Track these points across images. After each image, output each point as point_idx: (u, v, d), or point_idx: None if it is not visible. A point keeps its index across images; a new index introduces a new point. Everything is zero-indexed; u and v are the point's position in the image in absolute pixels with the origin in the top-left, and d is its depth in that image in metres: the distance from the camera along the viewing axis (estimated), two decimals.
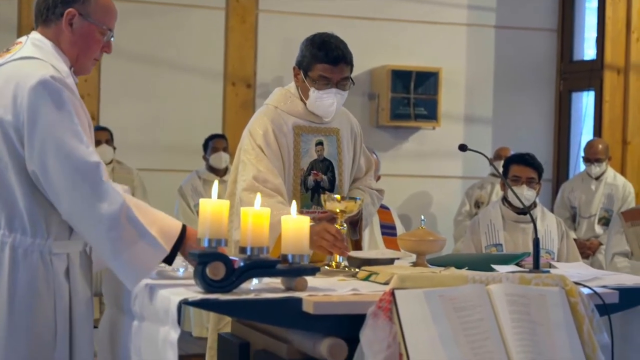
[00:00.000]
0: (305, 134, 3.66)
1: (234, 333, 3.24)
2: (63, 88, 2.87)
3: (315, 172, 3.67)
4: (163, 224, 2.92)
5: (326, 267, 3.31)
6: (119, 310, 3.15)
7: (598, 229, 7.11)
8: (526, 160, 5.23)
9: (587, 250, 6.91)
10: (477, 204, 7.67)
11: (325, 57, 3.56)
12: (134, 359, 2.94)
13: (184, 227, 2.95)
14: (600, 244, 6.93)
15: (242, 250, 2.82)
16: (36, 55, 2.94)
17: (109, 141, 7.11)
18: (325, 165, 3.69)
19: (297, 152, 3.64)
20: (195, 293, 2.73)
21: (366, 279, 3.12)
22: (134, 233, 2.83)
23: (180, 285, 2.87)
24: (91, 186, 2.82)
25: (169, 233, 2.92)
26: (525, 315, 2.71)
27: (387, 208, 5.23)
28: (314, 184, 3.66)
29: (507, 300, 2.72)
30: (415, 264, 3.40)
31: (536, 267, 3.20)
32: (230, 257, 2.78)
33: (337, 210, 3.37)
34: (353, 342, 2.69)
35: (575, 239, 6.37)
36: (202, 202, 2.81)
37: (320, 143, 3.69)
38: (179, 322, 2.69)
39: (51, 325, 2.91)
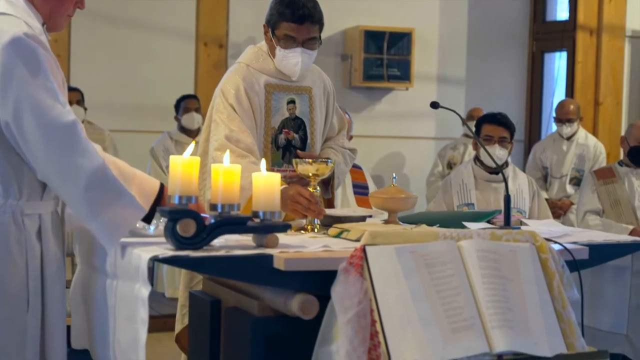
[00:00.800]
0: (277, 92, 3.64)
1: (205, 291, 3.23)
2: (37, 46, 2.83)
3: (286, 130, 3.65)
4: (141, 183, 2.92)
5: (301, 231, 3.30)
6: (91, 269, 3.14)
7: (569, 189, 7.15)
8: (498, 119, 5.24)
9: (559, 210, 6.94)
10: (450, 165, 7.69)
11: (291, 16, 3.53)
12: (109, 317, 2.93)
13: (161, 186, 2.95)
14: (572, 203, 6.97)
15: (213, 207, 2.80)
16: (9, 12, 2.89)
17: (80, 102, 7.03)
18: (297, 124, 3.67)
19: (268, 111, 3.62)
20: (165, 250, 2.72)
21: (337, 236, 3.13)
22: (112, 192, 2.81)
23: (152, 244, 2.86)
24: (69, 145, 2.78)
25: (147, 192, 2.91)
26: (496, 271, 2.72)
27: (359, 168, 5.22)
28: (285, 142, 3.65)
29: (477, 256, 2.73)
30: (386, 222, 3.40)
31: (507, 224, 3.21)
32: (201, 214, 2.77)
33: (310, 174, 3.36)
34: (324, 298, 2.70)
35: (546, 199, 6.40)
36: (172, 159, 2.79)
37: (292, 101, 3.67)
38: (150, 279, 2.69)
39: (23, 286, 2.89)
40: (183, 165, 2.77)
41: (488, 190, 5.35)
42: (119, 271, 2.86)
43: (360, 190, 5.16)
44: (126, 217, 2.83)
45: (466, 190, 5.42)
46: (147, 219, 2.95)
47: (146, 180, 2.95)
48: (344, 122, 3.96)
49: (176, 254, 2.68)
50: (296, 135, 3.66)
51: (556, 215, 6.75)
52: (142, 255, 2.69)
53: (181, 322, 3.56)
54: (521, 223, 3.53)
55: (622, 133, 7.08)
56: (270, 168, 3.46)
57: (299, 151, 3.63)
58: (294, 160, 3.42)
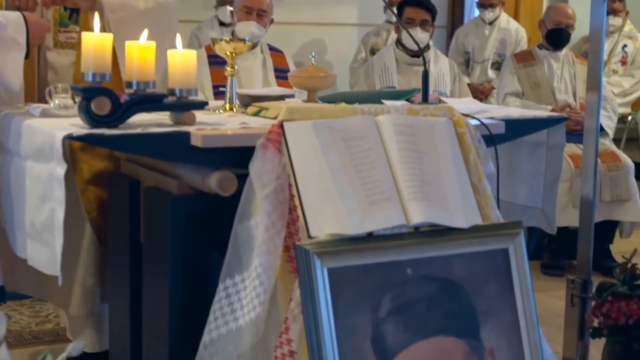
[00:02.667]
0: None
1: (124, 172, 3.21)
2: None
3: None
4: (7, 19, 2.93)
5: (219, 110, 3.27)
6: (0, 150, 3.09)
7: (491, 74, 7.19)
8: (420, 2, 5.22)
9: (480, 95, 6.99)
10: (373, 51, 7.64)
11: None
12: (22, 198, 2.89)
13: (23, 15, 2.96)
14: (493, 88, 7.02)
15: (128, 84, 2.76)
16: None
17: None
18: None
19: None
20: (80, 128, 2.68)
21: (256, 114, 3.10)
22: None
23: (66, 122, 2.81)
24: None
25: (18, 27, 2.92)
26: (413, 145, 2.74)
27: (280, 52, 5.18)
28: None
29: (394, 130, 2.74)
30: (306, 101, 3.38)
31: (425, 100, 3.22)
32: (116, 92, 2.73)
33: (227, 53, 3.31)
34: (243, 175, 2.70)
35: (468, 84, 6.44)
36: (85, 35, 2.73)
37: None
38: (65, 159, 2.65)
39: None
40: (95, 42, 2.71)
41: (410, 74, 5.37)
42: (31, 151, 2.82)
43: (282, 74, 5.11)
44: (16, 56, 2.86)
45: (388, 73, 5.42)
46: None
47: (7, 15, 3.00)
48: None
49: (91, 132, 2.64)
50: None
51: (477, 100, 6.79)
52: (57, 133, 2.64)
53: None
54: (440, 101, 3.55)
55: None
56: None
57: None
58: (211, 40, 3.35)
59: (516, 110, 3.46)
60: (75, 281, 3.45)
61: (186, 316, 2.83)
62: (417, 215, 2.59)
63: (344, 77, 7.77)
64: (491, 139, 3.01)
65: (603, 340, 3.58)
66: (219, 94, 4.59)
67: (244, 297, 2.62)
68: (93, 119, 2.67)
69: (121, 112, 2.71)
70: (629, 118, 7.82)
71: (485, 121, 3.05)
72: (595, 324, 3.54)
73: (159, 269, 2.88)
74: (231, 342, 2.63)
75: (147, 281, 3.00)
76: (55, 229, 2.64)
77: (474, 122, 2.99)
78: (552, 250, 5.55)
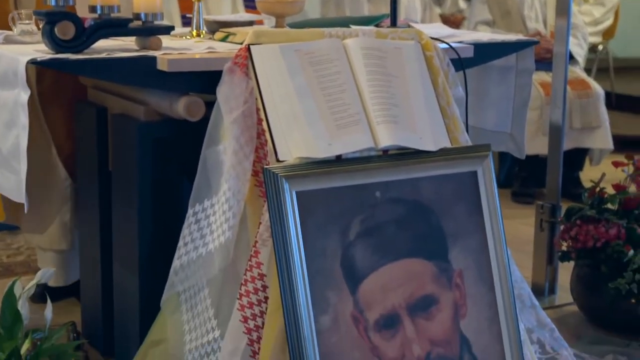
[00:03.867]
0: None
1: (91, 100, 3.18)
2: None
3: None
4: None
5: (186, 36, 3.23)
6: None
7: (462, 4, 7.14)
8: None
9: (451, 25, 6.93)
10: None
11: None
12: None
13: None
14: (464, 18, 6.98)
15: (92, 9, 2.72)
16: None
17: None
18: None
19: None
20: (44, 54, 2.64)
21: (223, 39, 3.08)
22: None
23: (30, 49, 2.77)
24: None
25: None
26: (381, 68, 2.73)
27: None
28: None
29: (363, 53, 2.72)
30: (275, 27, 3.35)
31: (393, 24, 3.19)
32: (80, 16, 2.68)
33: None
34: (211, 103, 2.68)
35: (440, 14, 6.41)
36: None
37: None
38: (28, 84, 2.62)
39: None
40: None
41: (380, 3, 5.33)
42: None
43: (251, 3, 5.06)
44: None
45: (359, 3, 5.39)
46: None
47: None
48: None
49: (55, 57, 2.60)
50: None
51: None
52: (20, 58, 2.60)
53: None
54: (409, 26, 3.52)
55: None
56: None
57: None
58: None
59: (485, 35, 3.45)
60: (51, 214, 3.45)
61: (156, 243, 2.83)
62: (386, 139, 2.58)
63: (315, 9, 7.70)
64: (460, 63, 3.00)
65: (571, 264, 3.63)
66: (187, 23, 4.54)
67: (214, 222, 2.62)
68: (57, 44, 2.63)
69: (85, 36, 2.67)
70: (600, 47, 7.83)
71: (453, 45, 3.04)
72: (564, 248, 3.58)
73: (128, 196, 2.87)
74: (201, 267, 2.63)
75: (116, 209, 2.99)
76: (20, 156, 2.62)
77: (442, 45, 2.97)
78: (522, 179, 5.59)
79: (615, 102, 7.63)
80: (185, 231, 2.66)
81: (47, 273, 2.70)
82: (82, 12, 2.80)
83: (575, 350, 3.15)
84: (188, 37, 3.19)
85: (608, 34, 7.80)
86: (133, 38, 2.83)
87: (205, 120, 2.68)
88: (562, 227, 3.58)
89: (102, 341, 3.15)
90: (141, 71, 2.67)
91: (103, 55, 2.65)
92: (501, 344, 2.67)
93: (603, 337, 3.39)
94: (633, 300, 3.27)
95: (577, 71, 5.63)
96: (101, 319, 3.14)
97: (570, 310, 3.67)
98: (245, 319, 2.51)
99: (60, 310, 3.46)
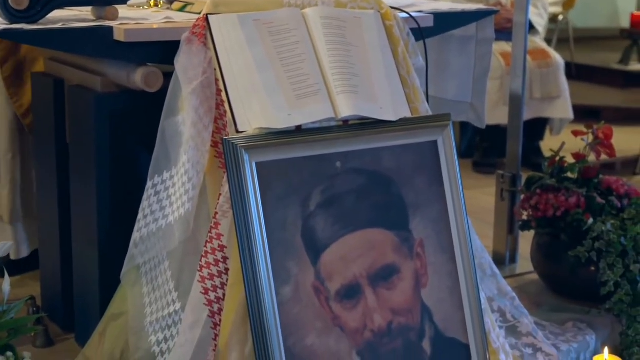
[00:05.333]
0: None
1: (47, 71, 3.14)
2: None
3: None
4: None
5: (143, 6, 3.19)
6: None
7: None
8: None
9: None
10: None
11: None
12: None
13: None
14: None
15: None
16: None
17: None
18: None
19: None
20: None
21: (181, 10, 3.04)
22: None
23: None
24: None
25: None
26: (341, 38, 2.71)
27: None
28: None
29: (322, 23, 2.70)
30: None
31: None
32: None
33: None
34: (168, 71, 2.65)
35: None
36: None
37: None
38: None
39: None
40: None
41: None
42: None
43: None
44: None
45: None
46: None
47: None
48: None
49: (9, 27, 2.55)
50: None
51: None
52: None
53: None
54: None
55: None
56: None
57: None
58: None
59: (445, 4, 3.44)
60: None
61: (115, 215, 2.81)
62: (346, 109, 2.57)
63: None
64: (420, 33, 2.99)
65: (532, 233, 3.64)
66: None
67: (173, 193, 2.60)
68: (11, 14, 2.58)
69: (40, 6, 2.62)
70: (560, 17, 7.86)
71: (413, 14, 3.02)
72: (524, 217, 3.60)
73: (86, 169, 2.84)
74: (161, 239, 2.62)
75: (74, 182, 2.96)
76: None
77: (402, 15, 2.96)
78: (483, 149, 5.61)
79: (575, 72, 7.67)
80: (144, 203, 2.63)
81: (4, 247, 2.67)
82: None
83: (535, 318, 3.17)
84: (145, 7, 3.15)
85: (568, 4, 7.83)
86: (89, 8, 2.79)
87: (163, 91, 2.65)
88: (522, 196, 3.60)
89: (62, 315, 3.12)
90: (98, 42, 2.63)
91: (58, 25, 2.61)
92: (462, 313, 2.68)
93: (563, 304, 3.41)
94: (592, 268, 3.29)
95: (538, 41, 5.64)
96: (61, 293, 3.11)
97: (531, 279, 3.70)
98: (206, 291, 2.50)
99: (19, 284, 3.43)
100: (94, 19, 2.75)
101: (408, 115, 2.72)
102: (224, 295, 2.49)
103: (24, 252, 3.53)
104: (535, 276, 3.67)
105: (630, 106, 7.02)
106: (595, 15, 9.36)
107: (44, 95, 3.06)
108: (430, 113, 2.82)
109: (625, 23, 8.63)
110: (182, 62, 2.59)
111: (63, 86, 2.98)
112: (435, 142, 2.73)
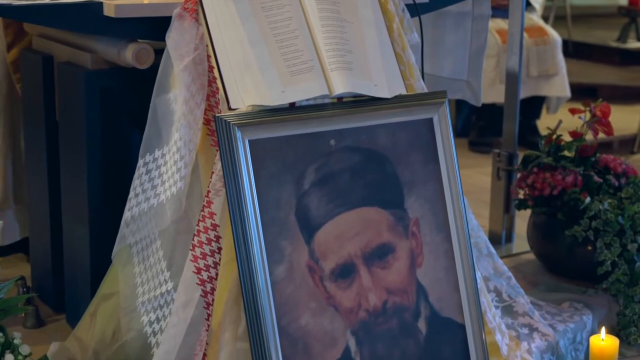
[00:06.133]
0: None
1: (37, 48, 3.09)
2: None
3: None
4: None
5: None
6: None
7: None
8: None
9: None
10: None
11: None
12: None
13: None
14: None
15: None
16: None
17: None
18: None
19: None
20: None
21: None
22: None
23: None
24: None
25: None
26: (335, 14, 2.66)
27: None
28: None
29: None
30: None
31: None
32: None
33: None
34: (160, 47, 2.61)
35: None
36: None
37: None
38: None
39: None
40: None
41: None
42: None
43: None
44: None
45: None
46: None
47: None
48: None
49: None
50: None
51: None
52: None
53: None
54: None
55: None
56: None
57: None
58: None
59: None
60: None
61: (106, 194, 2.78)
62: (340, 86, 2.53)
63: None
64: (415, 9, 2.95)
65: (528, 212, 3.62)
66: None
67: (165, 172, 2.56)
68: None
69: None
70: None
71: None
72: (521, 196, 3.57)
73: (76, 147, 2.80)
74: (153, 218, 2.58)
75: (64, 160, 2.92)
76: None
77: None
78: (479, 128, 5.57)
79: (572, 50, 7.63)
80: (135, 182, 2.60)
81: None
82: None
83: (532, 298, 3.15)
84: None
85: None
86: None
87: (154, 68, 2.61)
88: (518, 175, 3.56)
89: (53, 295, 3.09)
90: (87, 17, 2.59)
91: (47, 1, 2.56)
92: (458, 293, 2.65)
93: (560, 284, 3.39)
94: (589, 247, 3.27)
95: (535, 18, 5.60)
96: (51, 273, 3.08)
97: (527, 258, 3.67)
98: (198, 270, 2.47)
99: (9, 264, 3.40)
100: None
101: (403, 92, 2.68)
102: (216, 274, 2.46)
103: (15, 238, 3.49)
104: (531, 255, 3.65)
105: (628, 84, 6.98)
106: None
107: (33, 72, 3.01)
108: (425, 90, 2.78)
109: (623, 0, 8.57)
110: (174, 38, 2.54)
111: (52, 63, 2.94)
112: (430, 120, 2.69)
